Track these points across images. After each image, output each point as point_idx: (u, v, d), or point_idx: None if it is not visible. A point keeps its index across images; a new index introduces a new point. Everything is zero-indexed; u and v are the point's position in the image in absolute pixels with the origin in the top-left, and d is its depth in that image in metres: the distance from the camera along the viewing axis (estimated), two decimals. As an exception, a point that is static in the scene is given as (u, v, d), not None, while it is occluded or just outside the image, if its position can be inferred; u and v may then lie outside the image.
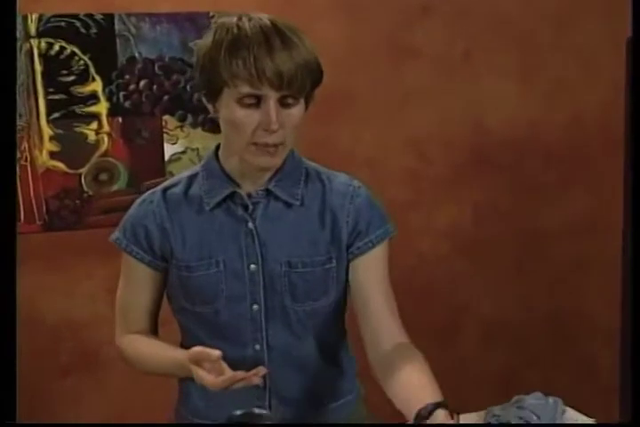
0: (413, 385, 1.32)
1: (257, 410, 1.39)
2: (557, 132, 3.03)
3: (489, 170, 2.99)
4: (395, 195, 2.82)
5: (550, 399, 1.59)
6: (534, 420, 1.50)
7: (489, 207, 3.01)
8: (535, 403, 1.57)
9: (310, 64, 1.34)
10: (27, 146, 2.54)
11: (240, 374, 1.30)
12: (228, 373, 1.30)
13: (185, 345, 1.55)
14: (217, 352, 1.30)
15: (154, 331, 1.57)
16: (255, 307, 1.47)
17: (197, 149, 2.65)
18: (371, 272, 1.50)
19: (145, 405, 2.11)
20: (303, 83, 1.33)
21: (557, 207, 3.08)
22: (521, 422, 1.49)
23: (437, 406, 1.24)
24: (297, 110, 1.36)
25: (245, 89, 1.32)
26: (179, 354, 1.42)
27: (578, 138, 3.04)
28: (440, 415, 1.23)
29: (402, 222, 2.86)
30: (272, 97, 1.32)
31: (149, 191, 1.53)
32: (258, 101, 1.33)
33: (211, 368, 1.32)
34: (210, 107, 1.41)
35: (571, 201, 3.08)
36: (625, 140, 3.01)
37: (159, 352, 1.48)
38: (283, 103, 1.34)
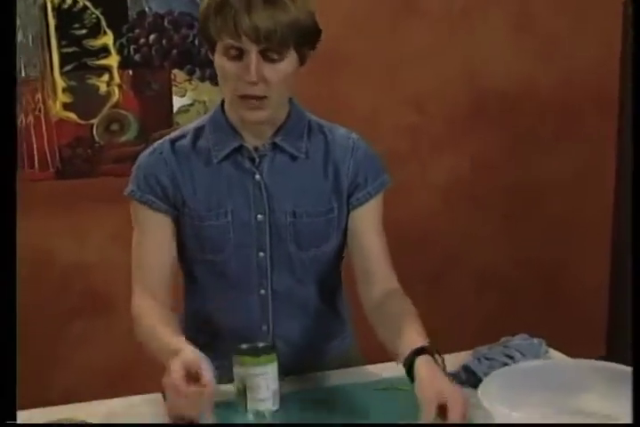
0: (402, 332, 1.40)
1: (261, 344, 1.46)
2: (552, 88, 3.05)
3: (485, 124, 3.03)
4: (392, 148, 2.85)
5: (535, 340, 1.66)
6: (519, 357, 1.57)
7: (484, 161, 3.05)
8: (520, 343, 1.64)
9: (298, 22, 1.37)
10: (40, 97, 2.58)
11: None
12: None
13: (191, 297, 1.62)
14: (207, 378, 1.27)
15: (170, 284, 1.53)
16: (261, 254, 1.53)
17: (204, 101, 2.69)
18: (367, 222, 1.57)
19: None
20: (284, 39, 1.36)
21: (551, 161, 3.12)
22: (506, 359, 1.56)
23: (419, 352, 1.32)
24: (284, 66, 1.40)
25: (228, 41, 1.37)
26: (175, 344, 1.35)
27: (572, 93, 3.07)
28: (422, 361, 1.32)
29: (399, 175, 2.92)
30: (253, 50, 1.36)
31: (157, 143, 1.54)
32: (240, 54, 1.38)
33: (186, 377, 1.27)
34: (213, 60, 1.45)
35: (564, 155, 3.12)
36: (619, 95, 3.03)
37: (159, 338, 1.41)
38: (267, 58, 1.38)
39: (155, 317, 1.45)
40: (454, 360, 1.59)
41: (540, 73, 3.03)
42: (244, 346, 1.44)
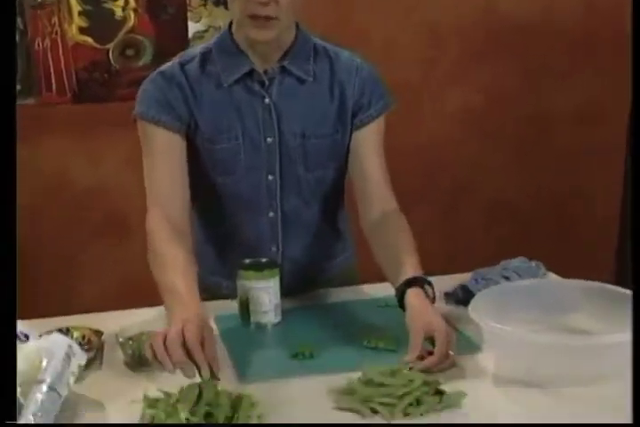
0: (396, 262, 1.45)
1: (264, 259, 1.52)
2: (570, 18, 3.01)
3: (501, 54, 3.00)
4: (406, 78, 2.85)
5: (533, 263, 1.70)
6: (515, 278, 1.61)
7: (497, 92, 3.03)
8: (519, 265, 1.68)
9: None
10: (57, 20, 2.60)
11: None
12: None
13: (201, 221, 1.65)
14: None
15: (185, 204, 1.52)
16: (270, 177, 1.56)
17: (220, 27, 2.68)
18: (368, 143, 1.59)
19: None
20: None
21: (564, 93, 3.10)
22: (503, 280, 1.60)
23: (410, 284, 1.38)
24: None
25: None
26: (183, 300, 1.32)
27: (590, 25, 3.02)
28: (412, 293, 1.37)
29: (414, 104, 2.96)
30: None
31: (165, 66, 1.54)
32: None
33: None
34: None
35: (579, 87, 3.09)
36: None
37: (170, 281, 1.37)
38: None
39: (169, 252, 1.40)
40: (455, 281, 1.64)
41: (556, 3, 2.99)
42: (248, 261, 1.50)
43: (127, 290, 2.60)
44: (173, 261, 1.39)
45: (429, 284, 1.41)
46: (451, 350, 1.29)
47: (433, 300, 1.41)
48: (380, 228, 1.56)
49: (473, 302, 1.34)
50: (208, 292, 1.60)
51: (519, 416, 1.16)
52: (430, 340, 1.30)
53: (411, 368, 1.25)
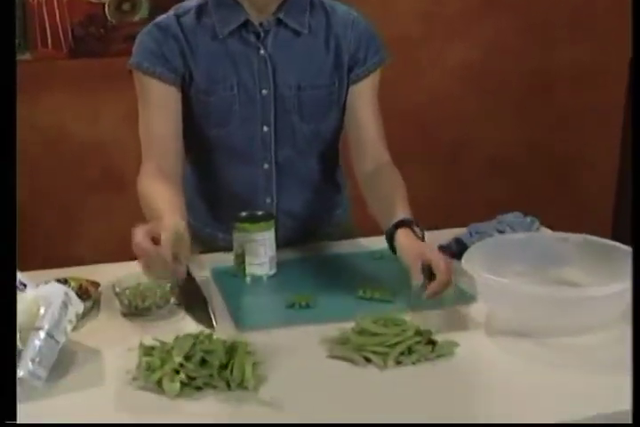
0: (389, 210, 1.47)
1: (260, 212, 1.53)
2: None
3: (502, 9, 2.97)
4: (407, 32, 2.83)
5: (528, 218, 1.70)
6: (510, 232, 1.62)
7: (499, 46, 3.02)
8: (514, 220, 1.69)
9: None
10: (51, -27, 2.57)
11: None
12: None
13: (195, 173, 1.65)
14: (163, 238, 1.24)
15: (178, 156, 1.54)
16: (265, 129, 1.57)
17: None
18: (364, 97, 1.60)
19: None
20: None
21: (565, 50, 3.08)
22: (497, 234, 1.60)
23: (398, 225, 1.42)
24: None
25: None
26: (161, 212, 1.35)
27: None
28: (400, 232, 1.41)
29: (413, 59, 2.94)
30: None
31: (160, 18, 1.54)
32: None
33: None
34: None
35: (578, 44, 3.07)
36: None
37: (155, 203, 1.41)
38: None
39: (156, 189, 1.44)
40: (450, 235, 1.65)
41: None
42: (244, 214, 1.51)
43: (124, 245, 2.61)
44: (161, 194, 1.42)
45: (418, 225, 1.44)
46: (450, 274, 1.33)
47: (422, 240, 1.43)
48: (373, 180, 1.58)
49: (466, 254, 1.35)
50: (204, 244, 1.64)
51: (511, 365, 1.18)
52: (427, 272, 1.33)
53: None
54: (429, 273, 1.34)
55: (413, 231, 1.42)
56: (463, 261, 1.33)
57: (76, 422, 1.03)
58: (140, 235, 1.24)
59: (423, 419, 1.03)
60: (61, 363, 1.16)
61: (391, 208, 1.48)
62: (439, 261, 1.33)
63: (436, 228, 1.65)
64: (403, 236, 1.41)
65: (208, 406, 1.07)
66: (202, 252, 1.62)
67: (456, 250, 1.58)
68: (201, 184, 1.67)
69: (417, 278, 1.34)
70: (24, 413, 1.02)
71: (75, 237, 2.89)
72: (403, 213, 1.46)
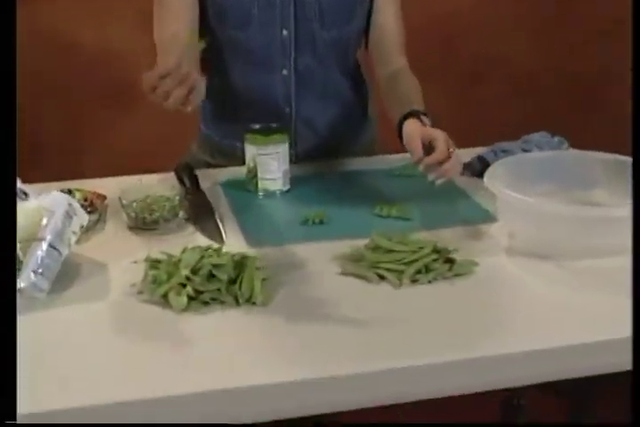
0: (404, 103, 1.47)
1: (274, 124, 1.48)
2: None
3: None
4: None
5: (556, 138, 1.64)
6: (535, 151, 1.56)
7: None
8: (540, 139, 1.63)
9: None
10: None
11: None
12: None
13: (212, 78, 1.56)
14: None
15: (192, 55, 1.45)
16: (285, 33, 1.51)
17: None
18: (388, 4, 1.57)
19: (176, 132, 2.20)
20: None
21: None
22: (521, 153, 1.55)
23: (407, 116, 1.40)
24: None
25: None
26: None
27: None
28: (408, 121, 1.39)
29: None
30: None
31: None
32: None
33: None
34: None
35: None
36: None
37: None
38: None
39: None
40: (473, 154, 1.61)
41: None
42: (257, 126, 1.46)
43: (131, 162, 2.58)
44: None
45: (426, 115, 1.42)
46: (451, 148, 1.31)
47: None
48: (391, 82, 1.56)
49: (489, 171, 1.30)
50: (224, 155, 1.63)
51: (532, 287, 1.14)
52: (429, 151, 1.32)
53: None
54: (431, 151, 1.31)
55: (421, 121, 1.39)
56: (485, 177, 1.28)
57: (77, 339, 1.01)
58: (147, 75, 1.14)
59: (440, 339, 1.00)
60: (65, 275, 1.13)
61: (406, 105, 1.45)
62: (440, 135, 1.31)
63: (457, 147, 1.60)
64: (410, 124, 1.39)
65: (215, 320, 1.04)
66: (222, 164, 1.58)
67: (479, 168, 1.54)
68: (219, 93, 1.60)
69: (417, 154, 1.31)
70: (24, 324, 1.00)
71: (80, 154, 2.85)
72: (414, 106, 1.44)
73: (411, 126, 1.38)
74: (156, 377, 0.92)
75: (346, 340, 0.99)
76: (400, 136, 1.40)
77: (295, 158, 1.60)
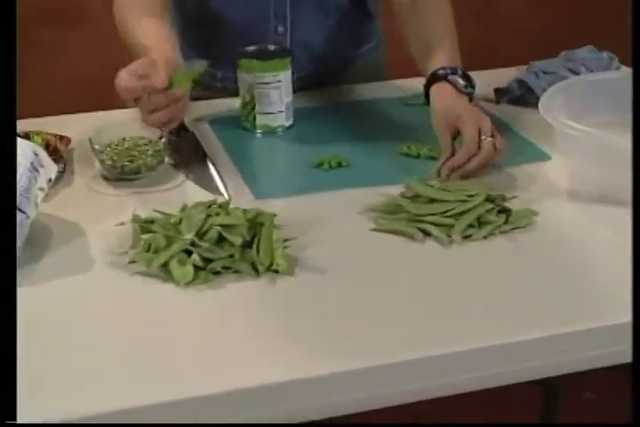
0: (428, 45, 1.36)
1: (273, 46, 1.38)
2: None
3: None
4: None
5: (604, 53, 1.56)
6: (584, 71, 1.48)
7: None
8: (587, 56, 1.55)
9: None
10: None
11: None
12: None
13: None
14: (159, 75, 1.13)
15: None
16: None
17: None
18: None
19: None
20: None
21: None
22: (570, 74, 1.47)
23: (435, 79, 1.29)
24: None
25: None
26: (152, 48, 1.24)
27: None
28: (436, 89, 1.28)
29: None
30: None
31: None
32: None
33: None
34: None
35: None
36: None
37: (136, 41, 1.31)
38: None
39: (139, 22, 1.32)
40: (501, 76, 1.53)
41: None
42: (252, 48, 1.37)
43: (87, 93, 2.46)
44: (146, 27, 1.30)
45: (464, 75, 1.30)
46: (489, 136, 1.20)
47: (468, 95, 1.29)
48: (413, 9, 1.41)
49: (544, 99, 1.21)
50: (200, 85, 1.47)
51: (605, 240, 1.06)
52: None
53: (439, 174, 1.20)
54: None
55: (453, 84, 1.28)
56: (541, 107, 1.19)
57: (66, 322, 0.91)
58: (124, 77, 1.13)
59: (500, 309, 0.92)
60: (34, 244, 1.03)
61: (430, 49, 1.34)
62: (469, 125, 1.21)
63: (480, 68, 1.52)
64: (437, 94, 1.29)
65: (230, 295, 0.95)
66: (199, 97, 1.48)
67: (519, 94, 1.48)
68: (196, 9, 1.49)
69: (445, 147, 1.23)
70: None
71: (30, 78, 2.70)
72: (444, 55, 1.32)
73: (439, 101, 1.28)
74: (157, 377, 0.82)
75: (391, 318, 0.91)
76: (427, 100, 1.31)
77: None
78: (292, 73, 1.38)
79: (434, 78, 1.30)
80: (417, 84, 1.47)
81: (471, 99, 1.29)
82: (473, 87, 1.30)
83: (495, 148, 1.20)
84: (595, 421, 1.59)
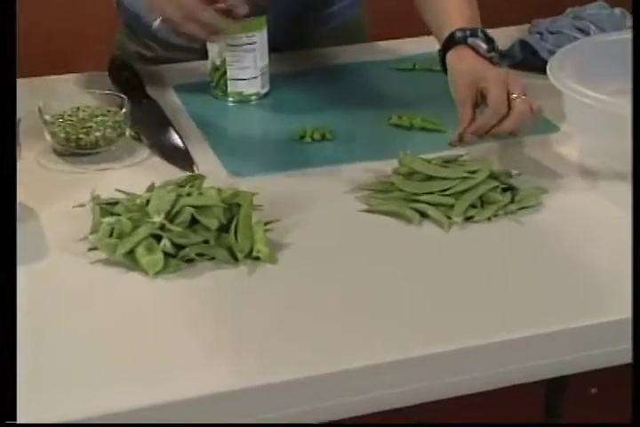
0: (443, 12, 1.30)
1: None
2: None
3: None
4: None
5: (617, 10, 1.54)
6: (594, 31, 1.47)
7: None
8: (596, 13, 1.53)
9: None
10: None
11: None
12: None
13: None
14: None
15: None
16: None
17: None
18: None
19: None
20: None
21: None
22: (578, 33, 1.46)
23: (452, 42, 1.23)
24: None
25: None
26: None
27: None
28: (453, 52, 1.23)
29: None
30: None
31: None
32: None
33: None
34: None
35: None
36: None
37: None
38: None
39: None
40: (506, 36, 1.50)
41: None
42: (220, 5, 1.31)
43: (37, 53, 2.42)
44: None
45: (485, 37, 1.24)
46: (519, 96, 1.16)
47: (491, 60, 1.24)
48: None
49: (553, 63, 1.19)
50: (162, 44, 1.49)
51: (620, 219, 1.05)
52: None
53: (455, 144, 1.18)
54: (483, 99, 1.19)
55: (474, 48, 1.23)
56: (549, 71, 1.17)
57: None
58: None
59: (508, 299, 0.92)
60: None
61: (444, 12, 1.29)
62: (495, 84, 1.17)
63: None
64: (454, 58, 1.23)
65: (204, 285, 0.94)
66: (162, 59, 1.48)
67: (521, 58, 1.46)
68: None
69: (464, 116, 1.19)
70: None
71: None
72: (460, 17, 1.26)
73: (457, 65, 1.22)
74: (124, 382, 0.80)
75: (383, 312, 0.90)
76: (444, 67, 1.26)
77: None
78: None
79: (451, 42, 1.23)
80: (404, 45, 1.47)
81: (494, 64, 1.24)
82: (496, 51, 1.25)
83: (531, 108, 1.16)
84: (596, 416, 1.62)
